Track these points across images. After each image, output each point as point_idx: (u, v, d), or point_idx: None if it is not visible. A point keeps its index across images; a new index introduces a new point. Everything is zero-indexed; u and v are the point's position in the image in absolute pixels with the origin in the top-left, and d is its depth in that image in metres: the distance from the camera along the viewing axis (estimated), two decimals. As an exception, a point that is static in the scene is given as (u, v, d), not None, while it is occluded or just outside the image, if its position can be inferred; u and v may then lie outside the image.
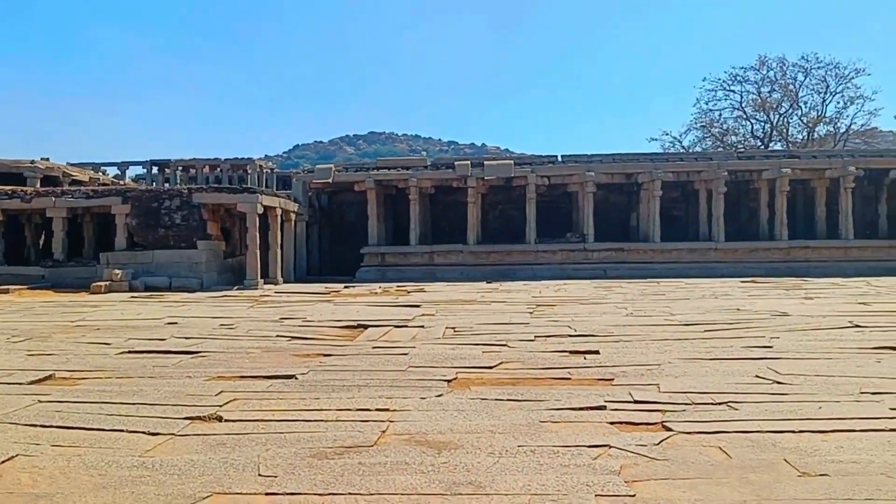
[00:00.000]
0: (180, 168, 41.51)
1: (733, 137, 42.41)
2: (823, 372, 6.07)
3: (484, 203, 23.85)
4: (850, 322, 9.36)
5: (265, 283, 18.27)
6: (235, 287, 17.51)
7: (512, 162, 23.12)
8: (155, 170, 41.93)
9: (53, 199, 18.79)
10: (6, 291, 15.80)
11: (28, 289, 16.61)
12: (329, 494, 3.26)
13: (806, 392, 5.32)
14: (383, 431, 4.34)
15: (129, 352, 7.73)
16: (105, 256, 18.11)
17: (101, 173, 33.61)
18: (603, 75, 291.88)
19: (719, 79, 42.40)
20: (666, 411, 4.79)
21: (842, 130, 40.88)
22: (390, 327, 9.62)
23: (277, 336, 8.88)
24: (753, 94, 41.63)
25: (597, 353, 7.28)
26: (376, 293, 16.17)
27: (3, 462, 3.79)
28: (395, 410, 4.88)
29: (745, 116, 42.40)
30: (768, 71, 40.83)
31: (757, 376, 5.94)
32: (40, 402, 5.20)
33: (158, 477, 3.54)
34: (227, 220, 19.71)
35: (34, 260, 20.05)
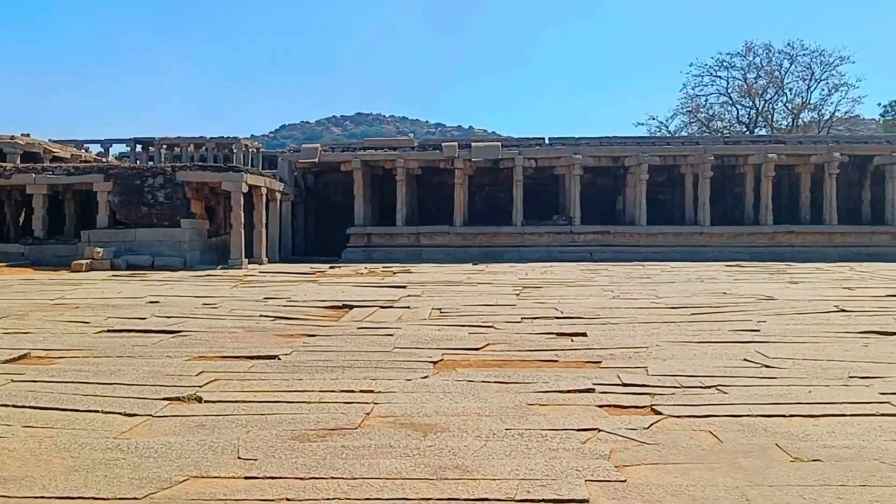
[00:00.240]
0: (165, 146, 41.00)
1: (719, 123, 42.51)
2: (811, 356, 6.02)
3: (471, 185, 23.74)
4: (835, 306, 9.34)
5: (249, 263, 18.10)
6: (219, 266, 17.34)
7: (499, 144, 22.99)
8: (139, 148, 41.39)
9: (34, 175, 18.50)
10: (-15, 269, 15.55)
11: (7, 266, 16.36)
12: (311, 479, 3.15)
13: (795, 376, 5.26)
14: (367, 414, 4.24)
15: (109, 331, 7.58)
16: (87, 234, 17.88)
17: (83, 151, 33.16)
18: (590, 58, 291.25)
19: (706, 64, 42.49)
20: (655, 394, 4.72)
21: (826, 117, 41.07)
22: (376, 308, 9.51)
23: (261, 316, 8.75)
24: (739, 80, 41.71)
25: (584, 335, 7.20)
26: (362, 274, 16.04)
27: (-28, 443, 3.66)
28: (379, 392, 4.77)
29: (730, 102, 42.51)
30: (754, 57, 40.93)
31: (745, 360, 5.89)
32: (13, 381, 5.06)
33: (133, 460, 3.42)
34: (212, 199, 19.49)
35: (14, 237, 19.75)
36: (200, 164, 24.28)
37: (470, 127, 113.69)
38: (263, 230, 19.21)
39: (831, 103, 40.96)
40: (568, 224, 22.19)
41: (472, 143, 23.05)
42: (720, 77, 41.70)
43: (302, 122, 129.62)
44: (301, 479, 3.16)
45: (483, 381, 5.11)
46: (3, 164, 19.72)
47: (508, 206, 22.51)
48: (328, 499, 2.94)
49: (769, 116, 42.12)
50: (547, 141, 23.33)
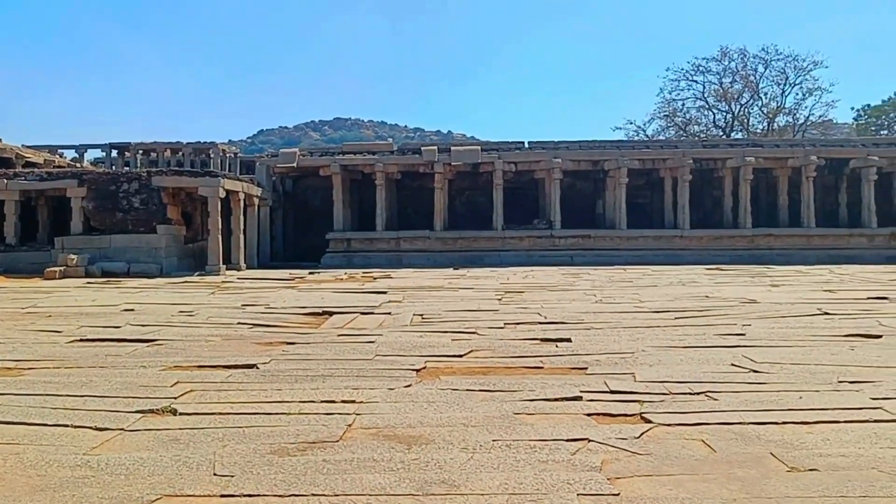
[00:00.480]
0: (141, 151, 40.56)
1: (696, 127, 42.77)
2: (799, 360, 5.95)
3: (451, 189, 23.60)
4: (818, 309, 9.31)
5: (227, 269, 17.83)
6: (197, 273, 17.06)
7: (479, 148, 22.88)
8: (114, 153, 40.91)
9: (6, 181, 18.10)
10: (-46, 277, 15.19)
11: (-22, 274, 15.99)
12: (290, 496, 3.01)
13: (784, 381, 5.19)
14: (349, 425, 4.10)
15: (81, 340, 7.38)
16: (60, 241, 17.52)
17: (57, 156, 32.66)
18: (568, 64, 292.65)
19: (682, 69, 42.80)
20: (644, 402, 4.62)
21: (800, 121, 41.47)
22: (356, 314, 9.35)
23: (239, 323, 8.57)
24: (715, 84, 42.02)
25: (568, 340, 7.10)
26: (342, 279, 15.86)
27: (-67, 461, 3.48)
28: (361, 402, 4.63)
29: (707, 106, 42.77)
30: (730, 62, 41.26)
31: (733, 364, 5.81)
32: (-20, 394, 4.86)
33: (103, 477, 3.26)
34: (189, 205, 19.21)
35: (-15, 244, 19.33)
36: (177, 169, 23.97)
37: (449, 131, 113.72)
38: (241, 236, 18.95)
39: (805, 107, 41.42)
40: (548, 228, 22.12)
41: (452, 148, 22.94)
42: (696, 81, 42.02)
43: (280, 127, 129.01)
44: (280, 496, 3.01)
45: (468, 390, 4.98)
46: (-26, 170, 19.31)
47: (489, 211, 22.42)
48: (309, 518, 2.81)
49: (745, 120, 42.43)
50: (527, 145, 23.26)
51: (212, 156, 39.06)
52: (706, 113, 42.87)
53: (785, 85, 40.94)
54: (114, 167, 37.55)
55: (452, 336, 7.45)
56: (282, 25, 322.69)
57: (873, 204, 21.86)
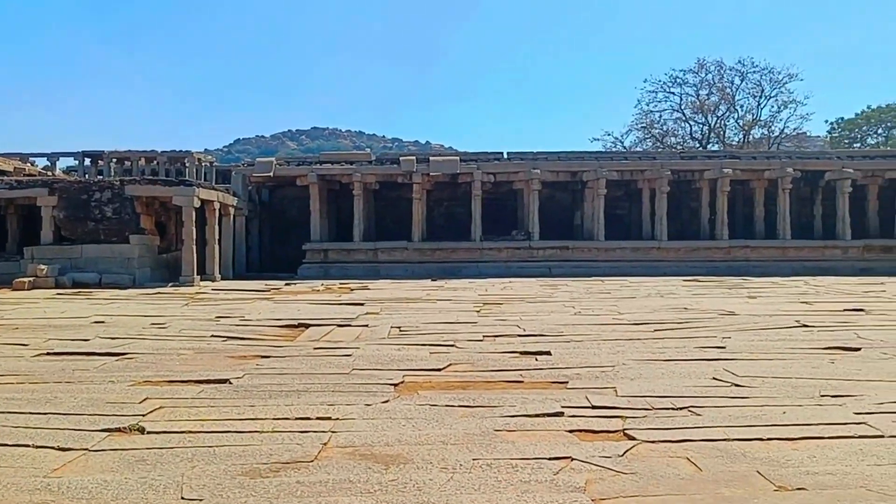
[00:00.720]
0: (114, 160, 40.01)
1: (673, 138, 43.09)
2: (780, 373, 5.90)
3: (429, 199, 23.50)
4: (797, 321, 9.30)
5: (202, 280, 17.58)
6: (170, 284, 16.80)
7: (458, 158, 22.82)
8: (87, 161, 40.33)
9: (-26, 190, 17.75)
10: (-80, 288, 14.83)
11: (-56, 285, 15.62)
12: (262, 521, 2.87)
13: (766, 395, 5.12)
14: (324, 444, 3.96)
15: (48, 354, 7.16)
16: (30, 251, 17.20)
17: (29, 164, 32.15)
18: (547, 76, 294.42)
19: (660, 81, 43.06)
20: (626, 417, 4.53)
21: (775, 133, 41.94)
22: (333, 326, 9.20)
23: (212, 336, 8.38)
24: (692, 96, 42.40)
25: (548, 353, 7.00)
26: (318, 291, 15.69)
27: None
28: (337, 419, 4.49)
29: (684, 118, 43.12)
30: (707, 74, 41.66)
31: (714, 378, 5.74)
32: (-62, 412, 4.66)
33: (63, 502, 3.10)
34: (163, 215, 18.94)
35: (-48, 254, 18.91)
36: (150, 177, 23.63)
37: (427, 142, 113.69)
38: (217, 246, 18.70)
39: (780, 120, 41.91)
40: (527, 239, 22.09)
41: (431, 158, 22.86)
42: (673, 93, 42.37)
43: (257, 136, 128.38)
44: (251, 522, 2.87)
45: (447, 405, 4.86)
46: (-58, 178, 18.92)
47: (467, 222, 22.34)
48: (281, 545, 2.67)
49: (721, 132, 42.82)
50: (505, 156, 23.24)
51: (187, 165, 38.66)
52: (683, 125, 43.25)
53: (760, 97, 41.44)
54: (87, 175, 37.02)
55: (431, 349, 7.33)
56: (259, 34, 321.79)
57: (848, 216, 22.05)
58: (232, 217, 20.33)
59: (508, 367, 6.31)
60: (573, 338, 8.07)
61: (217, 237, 18.71)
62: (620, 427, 4.30)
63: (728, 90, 41.73)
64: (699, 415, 4.56)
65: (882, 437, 4.03)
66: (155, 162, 39.70)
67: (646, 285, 16.27)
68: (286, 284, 17.33)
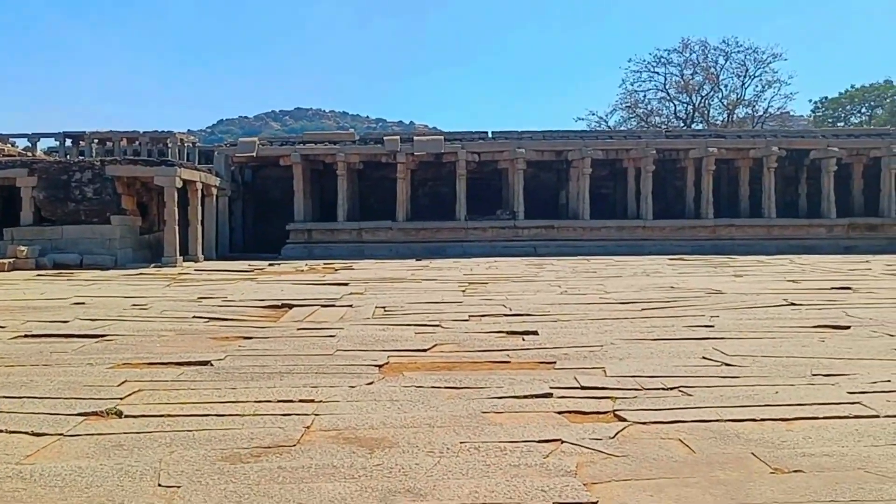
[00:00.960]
0: (96, 141, 39.43)
1: (657, 118, 43.05)
2: (770, 352, 5.84)
3: (413, 179, 23.35)
4: (784, 300, 9.27)
5: (185, 261, 17.38)
6: (152, 265, 16.58)
7: (442, 137, 22.63)
8: (69, 142, 39.72)
9: (-50, 170, 17.40)
10: None
11: (-79, 267, 15.32)
12: (242, 509, 2.76)
13: (757, 374, 5.05)
14: (307, 427, 3.85)
15: (25, 336, 6.99)
16: (9, 232, 16.90)
17: (8, 145, 31.64)
18: (531, 56, 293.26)
19: (644, 60, 42.93)
20: (616, 398, 4.44)
21: (759, 113, 42.02)
22: (317, 307, 9.07)
23: (194, 317, 8.23)
24: (676, 76, 42.36)
25: (535, 333, 6.91)
26: (302, 271, 15.53)
27: None
28: (321, 402, 4.38)
29: (668, 98, 43.11)
30: (691, 54, 41.64)
31: (704, 357, 5.67)
32: None
33: (36, 490, 2.97)
34: (145, 195, 18.65)
35: (-71, 236, 18.57)
36: (131, 157, 23.32)
37: (411, 122, 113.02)
38: (199, 226, 18.47)
39: (764, 99, 42.03)
40: (512, 219, 21.99)
41: (415, 137, 22.66)
42: (658, 73, 42.30)
43: (240, 116, 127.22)
44: (230, 510, 2.76)
45: (433, 387, 4.76)
46: (-83, 158, 18.53)
47: (452, 201, 22.20)
48: (261, 534, 2.56)
49: (705, 112, 42.84)
50: (490, 135, 23.07)
51: (170, 145, 38.14)
52: (667, 104, 43.24)
53: (745, 77, 41.49)
54: (68, 156, 36.42)
55: (416, 329, 7.22)
56: (242, 14, 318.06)
57: (832, 195, 22.10)
58: (215, 197, 20.09)
59: (495, 348, 6.22)
60: (560, 317, 7.98)
61: (200, 218, 18.48)
62: (610, 408, 4.21)
63: (712, 70, 41.74)
64: (690, 395, 4.48)
65: (877, 416, 3.96)
66: (137, 142, 39.16)
67: (631, 264, 16.23)
68: (270, 265, 17.16)
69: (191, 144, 40.87)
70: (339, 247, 21.15)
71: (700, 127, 39.46)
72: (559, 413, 4.13)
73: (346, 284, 12.03)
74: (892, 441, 3.54)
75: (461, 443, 3.56)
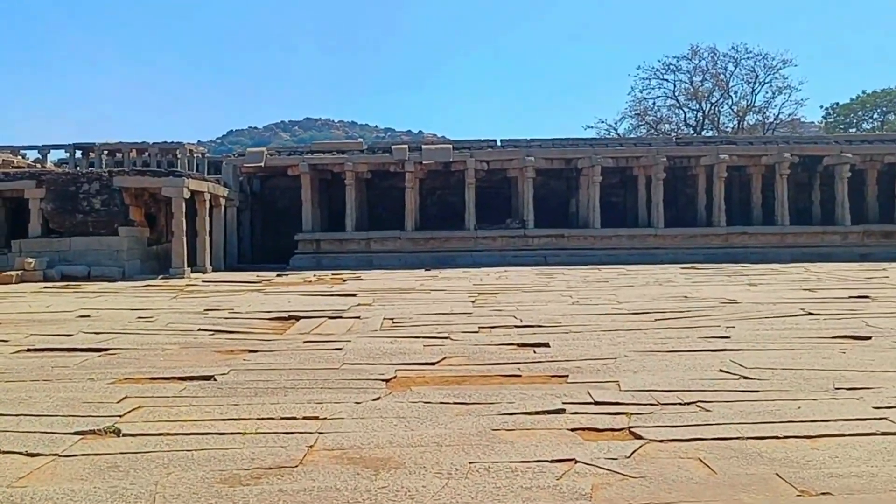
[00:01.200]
0: (106, 152, 39.53)
1: (667, 126, 42.87)
2: (790, 365, 5.66)
3: (422, 188, 23.22)
4: (802, 310, 9.07)
5: (193, 272, 17.29)
6: (160, 276, 16.51)
7: (451, 146, 22.51)
8: (79, 154, 39.83)
9: (-41, 182, 17.40)
10: None
11: (-71, 279, 15.29)
12: (239, 537, 2.61)
13: (778, 388, 4.87)
14: (311, 446, 3.70)
15: (28, 350, 6.88)
16: (17, 244, 16.88)
17: (19, 157, 31.76)
18: (539, 63, 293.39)
19: (653, 67, 42.80)
20: (631, 414, 4.27)
21: (770, 120, 41.73)
22: (324, 318, 8.94)
23: (199, 330, 8.11)
24: (686, 83, 42.17)
25: (546, 345, 6.75)
26: (310, 281, 15.42)
27: None
28: (325, 418, 4.23)
29: (678, 105, 42.92)
30: (700, 60, 41.45)
31: (721, 370, 5.49)
32: None
33: (24, 517, 2.83)
34: (153, 206, 18.60)
35: (-62, 248, 18.56)
36: (139, 168, 23.33)
37: (420, 131, 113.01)
38: (207, 237, 18.39)
39: (775, 106, 41.77)
40: (521, 227, 21.83)
41: (423, 146, 22.56)
42: (667, 80, 42.13)
43: (250, 127, 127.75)
44: (227, 538, 2.61)
45: (441, 402, 4.61)
46: (-74, 171, 18.55)
47: (461, 210, 22.07)
48: (258, 566, 2.41)
49: (715, 119, 42.60)
50: (499, 143, 22.95)
51: (179, 156, 38.19)
52: (677, 111, 43.05)
53: (755, 83, 41.24)
54: (78, 168, 36.52)
55: (424, 342, 7.07)
56: (251, 25, 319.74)
57: (847, 201, 21.85)
58: (223, 208, 20.03)
59: (505, 361, 6.06)
60: (572, 328, 7.82)
61: (208, 228, 18.41)
62: (626, 424, 4.05)
63: (722, 76, 41.52)
64: (709, 410, 4.31)
65: (906, 433, 3.78)
66: (146, 153, 39.25)
67: (643, 273, 16.04)
68: (278, 275, 17.06)
69: (200, 155, 40.92)
70: (347, 257, 21.04)
71: (710, 134, 39.24)
72: (572, 430, 3.97)
73: (354, 295, 11.90)
74: (925, 460, 3.37)
75: (470, 463, 3.40)
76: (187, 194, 17.05)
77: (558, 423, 4.13)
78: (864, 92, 48.08)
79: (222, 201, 19.91)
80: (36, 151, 39.68)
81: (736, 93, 41.90)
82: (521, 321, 8.47)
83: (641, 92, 42.55)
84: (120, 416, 4.34)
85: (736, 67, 41.06)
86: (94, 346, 6.99)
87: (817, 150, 22.68)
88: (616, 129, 42.95)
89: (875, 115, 47.70)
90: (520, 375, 5.49)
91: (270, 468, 3.38)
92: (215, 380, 5.38)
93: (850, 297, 10.49)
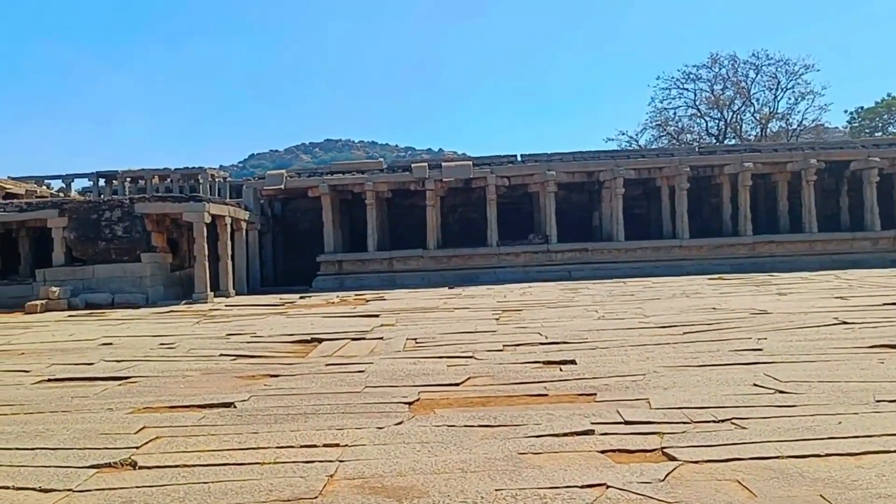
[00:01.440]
0: (128, 179, 39.95)
1: (688, 135, 42.51)
2: (827, 377, 5.45)
3: (443, 206, 23.13)
4: (835, 318, 8.82)
5: (216, 297, 17.29)
6: (184, 301, 16.52)
7: (471, 163, 22.44)
8: (102, 182, 40.30)
9: (-16, 213, 17.58)
10: (-69, 314, 14.62)
11: (-44, 311, 15.42)
12: (254, 576, 2.49)
13: (816, 402, 4.68)
14: (331, 476, 3.57)
15: (49, 380, 6.83)
16: (42, 273, 16.99)
17: (43, 187, 32.16)
18: (557, 79, 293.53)
19: (673, 77, 42.59)
20: (663, 433, 4.10)
21: (793, 126, 41.24)
22: (347, 340, 8.83)
23: (221, 355, 8.03)
24: (707, 91, 41.84)
25: (573, 362, 6.58)
26: (333, 303, 15.34)
27: None
28: (346, 445, 4.11)
29: (699, 114, 42.57)
30: (720, 69, 41.13)
31: (755, 385, 5.30)
32: (-83, 451, 4.32)
33: (33, 558, 2.73)
34: (174, 231, 18.68)
35: (-35, 279, 18.75)
36: (160, 195, 23.46)
37: (440, 150, 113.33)
38: (229, 261, 18.41)
39: (798, 112, 41.31)
40: (544, 243, 21.64)
41: (443, 164, 22.50)
42: (687, 89, 41.86)
43: (271, 150, 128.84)
44: (241, 578, 2.49)
45: (466, 426, 4.46)
46: (-47, 203, 18.78)
47: (482, 227, 21.94)
48: None
49: (738, 127, 42.20)
50: (519, 158, 22.85)
51: (200, 181, 38.51)
52: (698, 121, 42.72)
53: (777, 90, 40.83)
54: (101, 196, 36.94)
55: (448, 361, 6.93)
56: (270, 49, 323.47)
57: (876, 206, 21.46)
58: (244, 231, 20.07)
59: (531, 380, 5.90)
60: (598, 344, 7.64)
61: (229, 252, 18.43)
62: (658, 445, 3.88)
63: (743, 84, 41.17)
64: (745, 428, 4.13)
65: (956, 448, 3.58)
66: (168, 179, 39.64)
67: (670, 285, 15.79)
68: (300, 297, 17.01)
69: (221, 179, 41.26)
70: (370, 277, 20.97)
71: (733, 142, 38.87)
72: (602, 452, 3.81)
73: (376, 316, 11.79)
74: (980, 478, 3.17)
75: (497, 490, 3.26)
76: (208, 219, 17.09)
77: (587, 444, 3.97)
78: (889, 95, 47.41)
79: (244, 225, 19.95)
80: (60, 181, 40.18)
81: (758, 100, 41.54)
82: (547, 338, 8.30)
83: (662, 102, 42.36)
84: (137, 447, 4.25)
85: (757, 74, 40.74)
86: (115, 375, 6.94)
87: (844, 154, 22.32)
88: (637, 141, 42.71)
89: (901, 118, 46.98)
90: (546, 395, 5.33)
91: (289, 500, 3.25)
92: (235, 407, 5.28)
93: (884, 304, 10.20)
